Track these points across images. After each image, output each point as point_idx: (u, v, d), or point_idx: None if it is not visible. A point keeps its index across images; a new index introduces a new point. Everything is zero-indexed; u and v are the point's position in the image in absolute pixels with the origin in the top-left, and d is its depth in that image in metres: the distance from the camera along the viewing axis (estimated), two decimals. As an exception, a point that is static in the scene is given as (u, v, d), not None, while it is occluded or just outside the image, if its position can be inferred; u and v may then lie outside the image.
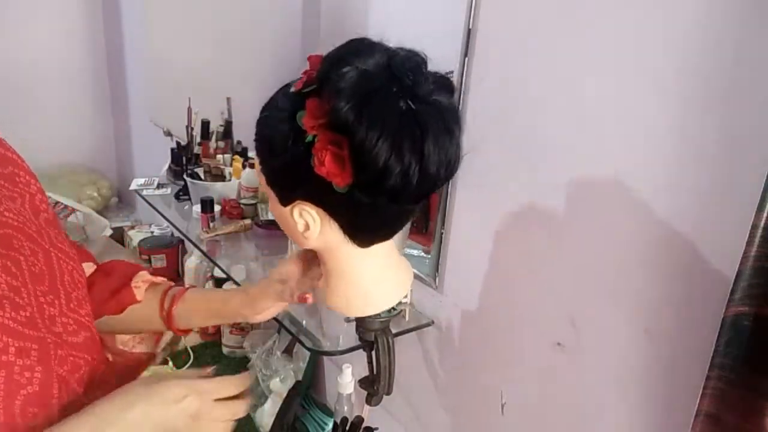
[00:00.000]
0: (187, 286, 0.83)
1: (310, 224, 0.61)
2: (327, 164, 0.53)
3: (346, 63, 0.52)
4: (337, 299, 0.70)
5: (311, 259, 0.74)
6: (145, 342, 0.86)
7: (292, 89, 0.57)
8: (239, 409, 0.62)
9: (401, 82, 0.52)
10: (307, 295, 0.71)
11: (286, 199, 0.61)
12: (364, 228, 0.62)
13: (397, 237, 0.68)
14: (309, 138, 0.53)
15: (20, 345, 0.53)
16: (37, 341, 0.55)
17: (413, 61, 0.54)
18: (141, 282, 0.79)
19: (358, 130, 0.50)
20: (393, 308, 1.06)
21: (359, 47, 0.54)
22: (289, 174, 0.59)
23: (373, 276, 0.68)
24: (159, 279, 0.82)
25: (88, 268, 0.77)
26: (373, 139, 0.50)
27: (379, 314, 0.75)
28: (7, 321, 0.53)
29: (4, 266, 0.55)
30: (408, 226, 1.08)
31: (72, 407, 0.56)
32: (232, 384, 0.62)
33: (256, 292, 0.76)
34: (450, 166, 0.55)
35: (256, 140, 0.62)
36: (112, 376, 0.65)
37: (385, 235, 0.65)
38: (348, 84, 0.51)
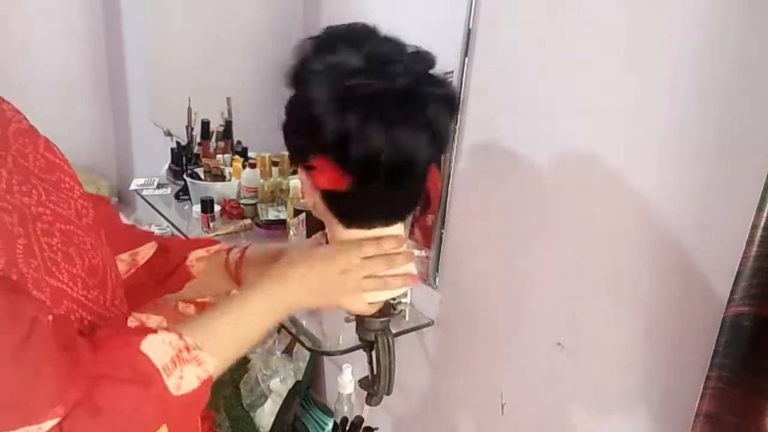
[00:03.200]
0: (245, 244, 0.85)
1: None
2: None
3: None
4: None
5: None
6: None
7: None
8: (399, 260, 0.67)
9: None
10: None
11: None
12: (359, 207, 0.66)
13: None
14: None
15: (92, 320, 0.57)
16: (102, 320, 0.58)
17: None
18: (195, 260, 0.82)
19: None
20: (393, 308, 1.06)
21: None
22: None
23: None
24: (213, 249, 0.84)
25: (150, 248, 0.79)
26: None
27: (378, 314, 0.75)
28: (80, 297, 0.56)
29: (77, 253, 0.58)
30: (408, 225, 1.09)
31: None
32: (379, 244, 0.66)
33: (305, 246, 0.78)
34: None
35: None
36: None
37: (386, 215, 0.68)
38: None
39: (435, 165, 0.69)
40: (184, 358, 0.51)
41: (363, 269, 0.65)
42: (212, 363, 0.54)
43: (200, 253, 0.83)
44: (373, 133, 0.56)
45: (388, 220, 0.68)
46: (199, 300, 0.88)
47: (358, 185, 0.61)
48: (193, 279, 0.82)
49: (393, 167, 0.58)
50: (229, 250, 0.83)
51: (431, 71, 0.60)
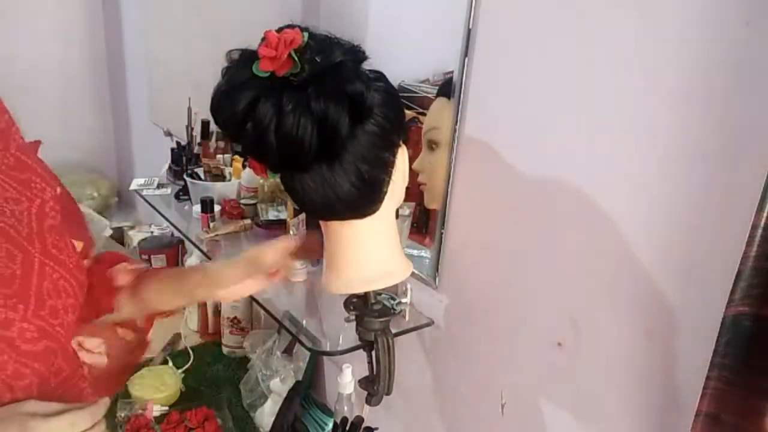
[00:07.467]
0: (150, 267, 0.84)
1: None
2: None
3: None
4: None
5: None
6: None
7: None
8: None
9: None
10: (278, 272, 0.77)
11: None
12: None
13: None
14: None
15: None
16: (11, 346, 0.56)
17: None
18: (117, 272, 0.80)
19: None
20: (393, 309, 1.06)
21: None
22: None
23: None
24: (134, 266, 0.82)
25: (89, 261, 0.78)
26: None
27: (378, 314, 0.76)
28: None
29: None
30: (408, 225, 1.09)
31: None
32: (83, 418, 0.59)
33: (214, 270, 0.77)
34: None
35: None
36: (67, 386, 0.66)
37: None
38: None
39: (403, 146, 0.72)
40: None
41: None
42: None
43: (125, 266, 0.81)
44: (257, 118, 0.60)
45: (335, 213, 0.70)
46: (139, 324, 0.85)
47: (275, 173, 0.66)
48: (117, 294, 0.78)
49: (280, 154, 0.61)
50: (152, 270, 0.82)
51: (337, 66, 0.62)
